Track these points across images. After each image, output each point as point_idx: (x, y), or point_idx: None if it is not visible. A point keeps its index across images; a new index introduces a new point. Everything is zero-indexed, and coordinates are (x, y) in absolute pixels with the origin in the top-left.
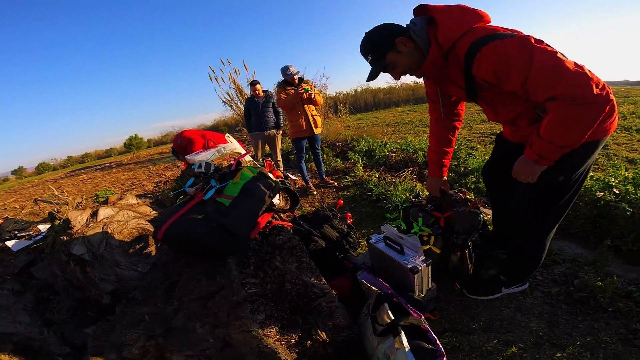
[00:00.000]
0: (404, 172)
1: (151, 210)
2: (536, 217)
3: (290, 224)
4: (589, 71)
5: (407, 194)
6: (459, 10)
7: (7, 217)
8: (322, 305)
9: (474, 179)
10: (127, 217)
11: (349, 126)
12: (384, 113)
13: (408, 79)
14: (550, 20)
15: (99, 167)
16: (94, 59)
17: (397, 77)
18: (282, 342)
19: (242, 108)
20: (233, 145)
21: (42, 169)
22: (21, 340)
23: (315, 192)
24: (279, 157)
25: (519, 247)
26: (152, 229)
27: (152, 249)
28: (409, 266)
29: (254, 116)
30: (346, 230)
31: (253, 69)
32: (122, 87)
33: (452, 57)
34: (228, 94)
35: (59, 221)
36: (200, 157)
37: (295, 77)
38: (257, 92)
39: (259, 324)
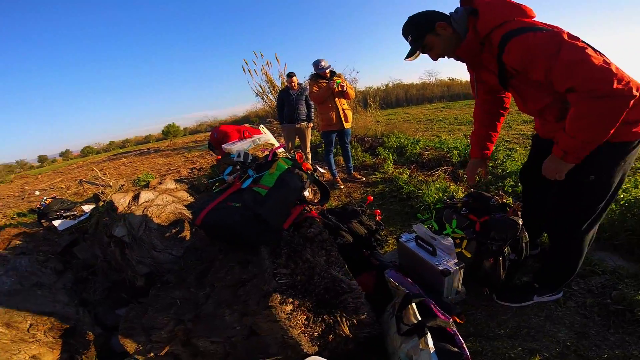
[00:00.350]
0: (437, 171)
1: (188, 195)
2: (569, 218)
3: (319, 216)
4: (616, 67)
5: (440, 194)
6: (502, 4)
7: (55, 196)
8: (348, 301)
9: (512, 182)
10: (165, 201)
11: (378, 121)
12: (416, 109)
13: (443, 75)
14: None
15: (138, 152)
16: (135, 49)
17: (434, 58)
18: (306, 334)
19: (273, 100)
20: (267, 136)
21: (86, 152)
22: (58, 320)
23: (342, 186)
24: (308, 150)
25: (554, 252)
26: (188, 214)
27: (187, 233)
28: (441, 268)
29: (287, 108)
30: (374, 227)
31: (284, 62)
32: (162, 76)
33: (487, 44)
34: (260, 86)
35: (102, 203)
36: (237, 146)
37: (327, 70)
38: (293, 84)
39: (287, 314)
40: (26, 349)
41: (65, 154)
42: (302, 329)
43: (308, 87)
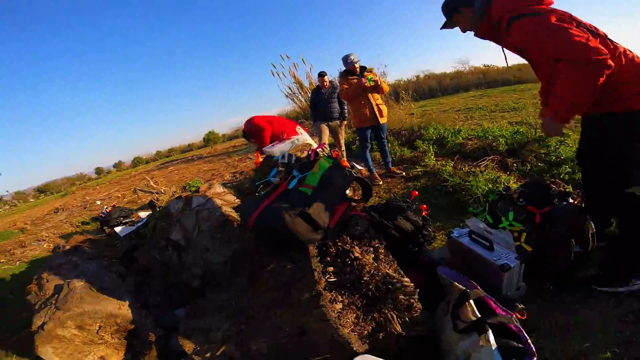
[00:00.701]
0: (484, 161)
1: (234, 198)
2: (621, 197)
3: (364, 214)
4: (595, 42)
5: (490, 185)
6: None
7: (115, 205)
8: (400, 298)
9: (568, 169)
10: (215, 205)
11: (413, 114)
12: (451, 99)
13: (477, 62)
14: None
15: (183, 159)
16: (164, 60)
17: (462, 31)
18: (356, 333)
19: (303, 101)
20: (304, 136)
21: (136, 162)
22: (123, 322)
23: (380, 182)
24: (343, 148)
25: (619, 237)
26: (236, 216)
27: (235, 235)
28: (500, 263)
29: (319, 107)
30: (421, 223)
31: (310, 62)
32: (195, 85)
33: (502, 25)
34: (289, 88)
35: (158, 208)
36: (277, 148)
37: (356, 64)
38: (324, 83)
39: (337, 313)
40: (95, 351)
41: (118, 165)
42: (352, 327)
43: (338, 85)
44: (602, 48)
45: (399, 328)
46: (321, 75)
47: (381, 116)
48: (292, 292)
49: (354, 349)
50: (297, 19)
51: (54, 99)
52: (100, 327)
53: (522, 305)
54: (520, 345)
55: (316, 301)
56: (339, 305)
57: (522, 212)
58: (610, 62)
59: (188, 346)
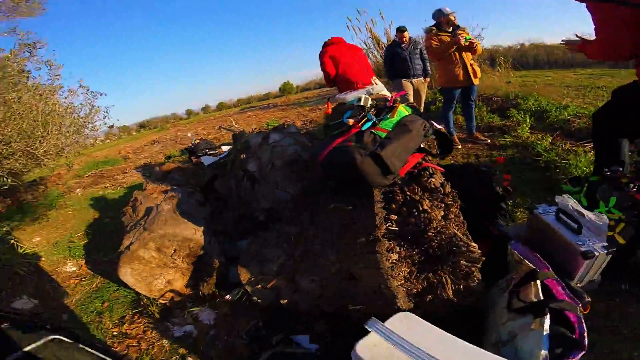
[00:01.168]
0: (590, 142)
1: (305, 140)
2: None
3: (441, 168)
4: None
5: (592, 168)
6: None
7: (202, 138)
8: (461, 264)
9: None
10: (288, 142)
11: (510, 82)
12: (562, 73)
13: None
14: None
15: (259, 107)
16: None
17: None
18: (404, 289)
19: (378, 57)
20: (380, 87)
21: (220, 107)
22: (194, 247)
23: (460, 146)
24: (422, 107)
25: None
26: (305, 156)
27: (303, 174)
28: (583, 249)
29: (400, 62)
30: (501, 193)
31: (390, 19)
32: (274, 37)
33: None
34: (365, 43)
35: (240, 142)
36: (350, 95)
37: (452, 17)
38: (403, 38)
39: (391, 263)
40: (165, 274)
41: (205, 109)
42: (402, 282)
43: (424, 41)
44: None
45: (450, 294)
46: (401, 30)
47: (475, 77)
48: (349, 234)
49: (398, 304)
50: None
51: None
52: (175, 251)
53: (589, 299)
54: (573, 336)
55: (372, 247)
56: (395, 256)
57: (626, 200)
58: None
59: (244, 275)
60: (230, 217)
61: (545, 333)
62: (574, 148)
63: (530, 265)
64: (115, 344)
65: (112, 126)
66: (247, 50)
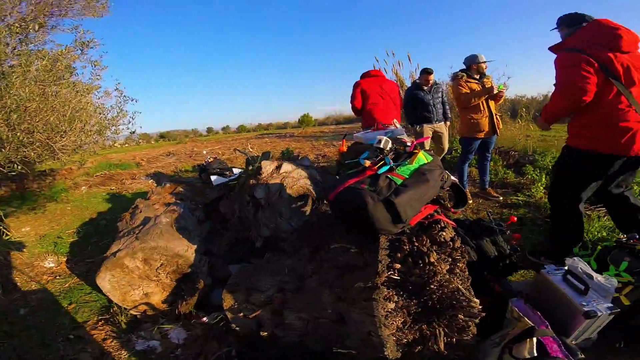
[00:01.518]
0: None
1: (317, 175)
2: None
3: (453, 223)
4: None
5: (605, 233)
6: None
7: (216, 157)
8: (458, 318)
9: None
10: (299, 175)
11: (529, 135)
12: None
13: None
14: None
15: (277, 135)
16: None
17: None
18: (395, 338)
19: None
20: (400, 131)
21: (240, 129)
22: (183, 264)
23: (470, 201)
24: (445, 153)
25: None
26: (314, 191)
27: (308, 209)
28: (586, 309)
29: (422, 107)
30: (508, 252)
31: (417, 62)
32: (301, 70)
33: None
34: None
35: (251, 167)
36: (369, 135)
37: (484, 67)
38: (429, 82)
39: (386, 312)
40: (145, 286)
41: (225, 129)
42: (394, 331)
43: (452, 86)
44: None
45: (442, 347)
46: (428, 72)
47: (498, 128)
48: (349, 277)
49: (386, 353)
50: (416, 16)
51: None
52: (161, 265)
53: (583, 356)
54: None
55: (370, 293)
56: (392, 305)
57: (639, 265)
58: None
59: (228, 301)
60: (227, 240)
61: None
62: (587, 212)
63: (529, 322)
64: (66, 348)
65: (134, 132)
66: (274, 76)
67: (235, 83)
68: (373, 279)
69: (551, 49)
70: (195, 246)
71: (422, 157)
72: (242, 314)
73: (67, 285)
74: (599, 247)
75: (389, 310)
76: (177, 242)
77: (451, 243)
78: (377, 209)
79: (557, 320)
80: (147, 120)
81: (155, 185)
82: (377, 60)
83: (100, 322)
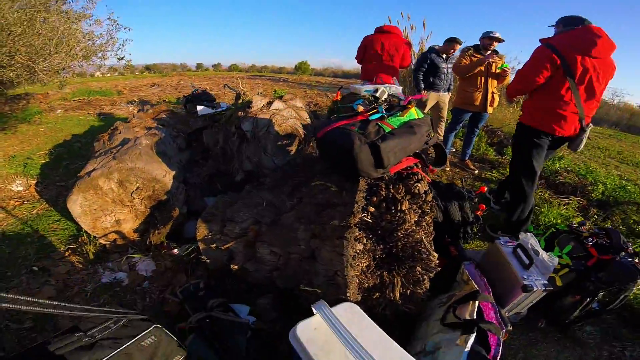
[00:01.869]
0: (569, 198)
1: (308, 117)
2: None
3: (429, 178)
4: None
5: (559, 221)
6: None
7: (205, 90)
8: (416, 269)
9: (622, 215)
10: (289, 114)
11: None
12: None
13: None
14: None
15: (270, 78)
16: None
17: None
18: (358, 280)
19: None
20: (396, 88)
21: (232, 68)
22: (159, 189)
23: (448, 169)
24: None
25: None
26: (302, 132)
27: (294, 148)
28: (525, 282)
29: (434, 72)
30: (471, 219)
31: (431, 29)
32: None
33: None
34: None
35: (241, 101)
36: (364, 87)
37: (496, 43)
38: (453, 51)
39: (354, 252)
40: (118, 212)
41: (216, 66)
42: (358, 274)
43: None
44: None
45: (397, 296)
46: (458, 42)
47: (491, 105)
48: (326, 215)
49: (348, 294)
50: None
51: None
52: (137, 188)
53: (511, 327)
54: (488, 357)
55: (342, 232)
56: (360, 247)
57: (581, 250)
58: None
59: (201, 231)
60: (207, 171)
61: (466, 350)
62: (550, 199)
63: (475, 286)
64: (29, 280)
65: (123, 58)
66: (277, 17)
67: (234, 19)
68: (347, 218)
69: (541, 40)
70: (174, 172)
71: (414, 113)
72: (214, 245)
73: (34, 211)
74: (552, 230)
75: (357, 251)
76: (155, 166)
77: (424, 195)
78: (363, 151)
79: (498, 290)
80: (132, 51)
81: (137, 111)
82: (390, 21)
83: (67, 252)
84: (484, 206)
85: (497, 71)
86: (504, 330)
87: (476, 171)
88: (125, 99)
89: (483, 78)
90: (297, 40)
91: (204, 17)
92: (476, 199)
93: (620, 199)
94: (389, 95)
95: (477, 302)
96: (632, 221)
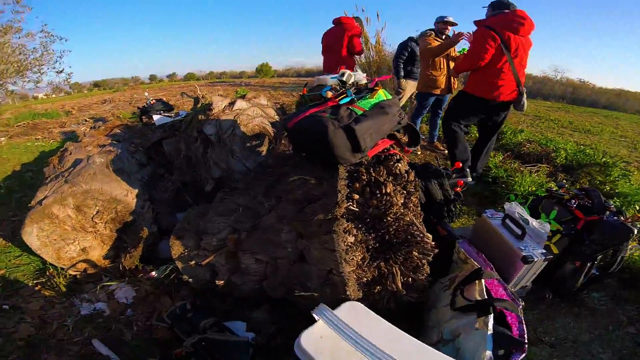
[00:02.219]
0: (537, 166)
1: (275, 114)
2: None
3: (407, 158)
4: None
5: (535, 188)
6: None
7: (160, 99)
8: (413, 254)
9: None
10: (255, 113)
11: None
12: (528, 102)
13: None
14: None
15: (231, 83)
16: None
17: None
18: (356, 276)
19: (362, 58)
20: (360, 75)
21: (189, 77)
22: (122, 211)
23: (419, 152)
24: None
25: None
26: (271, 131)
27: (264, 149)
28: (524, 254)
29: (414, 62)
30: (452, 197)
31: (385, 20)
32: (264, 17)
33: None
34: None
35: (200, 104)
36: (332, 76)
37: (450, 27)
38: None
39: (346, 246)
40: (81, 240)
41: (171, 76)
42: (355, 268)
43: (420, 42)
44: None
45: (400, 285)
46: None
47: (454, 87)
48: (309, 210)
49: (348, 293)
50: None
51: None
52: (97, 212)
53: (523, 303)
54: (514, 337)
55: (329, 226)
56: (351, 239)
57: (566, 214)
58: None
59: (176, 249)
60: (173, 185)
61: (489, 333)
62: (520, 168)
63: (476, 264)
64: (3, 320)
65: (62, 71)
66: (231, 22)
67: (185, 27)
68: (333, 210)
69: (475, 22)
70: (136, 190)
71: (382, 94)
72: (193, 262)
73: None
74: (531, 198)
75: (349, 244)
76: (114, 185)
77: (406, 175)
78: (337, 135)
79: (497, 266)
80: (78, 69)
81: (90, 129)
82: (346, 14)
83: (37, 287)
84: (462, 182)
85: (456, 54)
86: (520, 307)
87: (446, 151)
88: (74, 120)
89: (445, 61)
90: (255, 41)
91: (153, 28)
92: (454, 175)
93: (582, 161)
94: (355, 81)
95: (483, 281)
96: (597, 181)
